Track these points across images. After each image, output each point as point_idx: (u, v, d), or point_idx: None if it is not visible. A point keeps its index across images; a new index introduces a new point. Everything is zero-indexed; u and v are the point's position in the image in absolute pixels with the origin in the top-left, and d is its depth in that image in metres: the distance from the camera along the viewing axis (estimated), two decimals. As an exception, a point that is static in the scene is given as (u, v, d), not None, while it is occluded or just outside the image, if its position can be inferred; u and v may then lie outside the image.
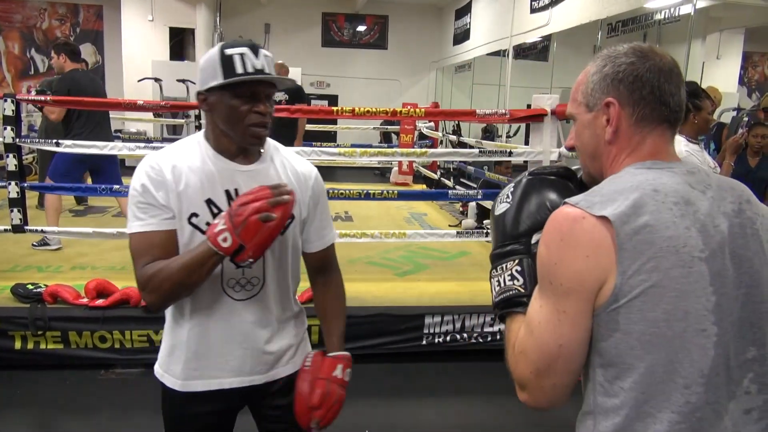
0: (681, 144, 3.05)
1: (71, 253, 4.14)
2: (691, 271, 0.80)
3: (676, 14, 5.94)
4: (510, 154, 3.94)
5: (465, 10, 11.24)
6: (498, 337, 3.31)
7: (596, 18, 6.67)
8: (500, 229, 0.99)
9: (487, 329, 3.31)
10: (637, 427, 0.82)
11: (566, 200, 0.87)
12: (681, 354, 0.80)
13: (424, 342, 3.30)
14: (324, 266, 1.50)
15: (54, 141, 3.59)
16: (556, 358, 0.85)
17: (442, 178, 7.27)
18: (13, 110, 3.47)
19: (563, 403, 0.89)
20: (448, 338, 3.30)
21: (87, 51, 11.63)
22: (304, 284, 1.54)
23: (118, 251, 4.16)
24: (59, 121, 4.18)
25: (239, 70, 1.22)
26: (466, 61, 11.44)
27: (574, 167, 1.05)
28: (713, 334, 0.81)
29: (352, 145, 6.83)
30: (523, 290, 0.94)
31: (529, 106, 4.13)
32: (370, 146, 7.97)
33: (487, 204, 5.17)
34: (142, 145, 4.16)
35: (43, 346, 3.02)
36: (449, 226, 5.76)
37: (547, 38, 8.85)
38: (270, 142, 1.39)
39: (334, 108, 3.93)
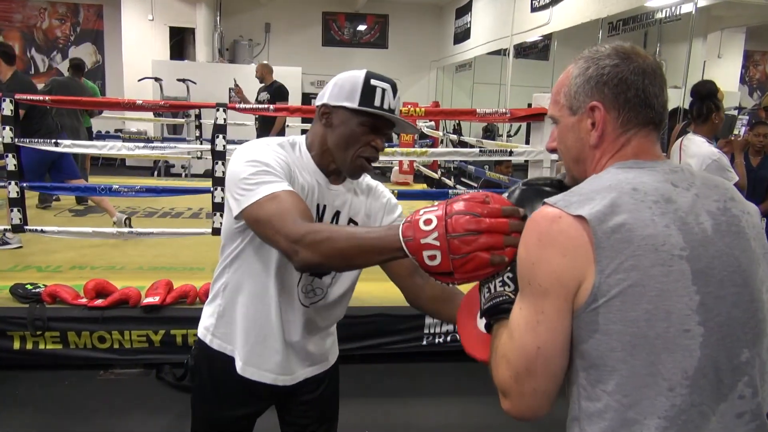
0: (704, 146, 3.05)
1: (71, 253, 4.13)
2: (672, 270, 0.78)
3: (677, 13, 5.93)
4: (510, 153, 3.93)
5: (465, 9, 11.22)
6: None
7: (597, 17, 6.65)
8: None
9: (488, 329, 3.30)
10: None
11: (545, 200, 0.86)
12: (664, 355, 0.78)
13: (424, 342, 3.28)
14: (413, 268, 1.36)
15: (53, 141, 3.59)
16: (534, 360, 0.83)
17: (442, 178, 7.26)
18: (11, 110, 3.47)
19: (545, 410, 0.87)
20: (448, 338, 3.29)
21: (87, 51, 11.64)
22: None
23: (118, 250, 4.16)
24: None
25: (377, 102, 1.24)
26: (467, 61, 11.43)
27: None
28: (699, 334, 0.79)
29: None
30: (512, 296, 0.92)
31: (529, 105, 4.12)
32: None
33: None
34: (141, 144, 4.13)
35: (42, 346, 3.01)
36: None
37: (548, 37, 8.84)
38: None
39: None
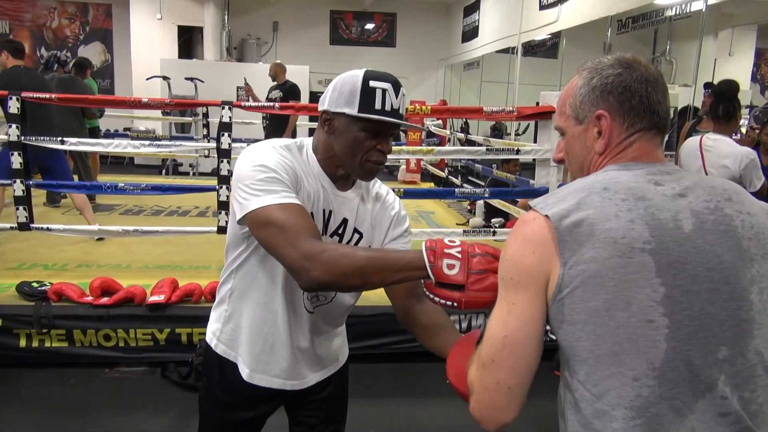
0: (737, 145, 3.02)
1: (77, 251, 4.14)
2: (631, 262, 0.81)
3: (688, 10, 5.87)
4: (518, 152, 3.90)
5: (473, 8, 11.17)
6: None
7: (606, 14, 6.60)
8: None
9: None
10: (597, 425, 0.83)
11: (530, 202, 0.93)
12: (627, 344, 0.80)
13: (429, 342, 3.26)
14: (412, 288, 1.37)
15: (59, 139, 3.59)
16: (501, 349, 0.87)
17: (449, 176, 7.23)
18: (18, 108, 3.47)
19: (508, 415, 0.88)
20: (454, 338, 3.27)
21: (96, 50, 11.69)
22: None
23: (123, 248, 4.17)
24: None
25: (377, 106, 1.19)
26: (475, 59, 11.38)
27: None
28: (663, 326, 0.80)
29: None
30: None
31: (537, 103, 4.08)
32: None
33: (495, 202, 5.13)
34: (147, 142, 4.13)
35: (47, 344, 3.02)
36: (456, 224, 5.72)
37: (557, 35, 8.79)
38: None
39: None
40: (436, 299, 1.08)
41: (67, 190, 4.25)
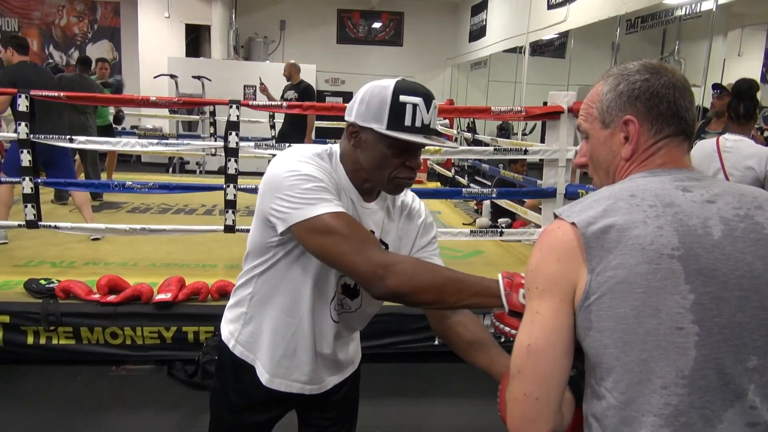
0: (758, 145, 2.97)
1: (84, 248, 4.16)
2: (659, 268, 0.80)
3: (698, 10, 5.83)
4: (525, 152, 3.89)
5: (481, 7, 11.15)
6: (511, 339, 3.26)
7: (614, 14, 6.57)
8: None
9: (501, 330, 3.26)
10: (626, 431, 0.82)
11: (555, 211, 0.92)
12: (656, 352, 0.80)
13: (436, 342, 3.25)
14: None
15: (68, 137, 3.60)
16: (525, 359, 0.86)
17: (456, 176, 7.21)
18: (27, 106, 3.49)
19: (541, 426, 0.85)
20: (460, 338, 3.26)
21: (104, 48, 11.74)
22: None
23: (130, 246, 4.18)
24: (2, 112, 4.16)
25: (407, 122, 1.15)
26: (482, 58, 11.35)
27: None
28: (693, 333, 0.79)
29: (366, 143, 6.80)
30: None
31: (545, 103, 4.07)
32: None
33: (502, 202, 5.12)
34: (155, 141, 4.14)
35: (55, 341, 3.02)
36: (463, 224, 5.71)
37: (565, 35, 8.75)
38: None
39: (347, 105, 3.90)
40: (506, 329, 1.08)
41: (75, 188, 4.26)
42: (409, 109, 1.15)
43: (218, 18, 10.79)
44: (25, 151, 3.49)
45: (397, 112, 1.15)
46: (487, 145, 5.25)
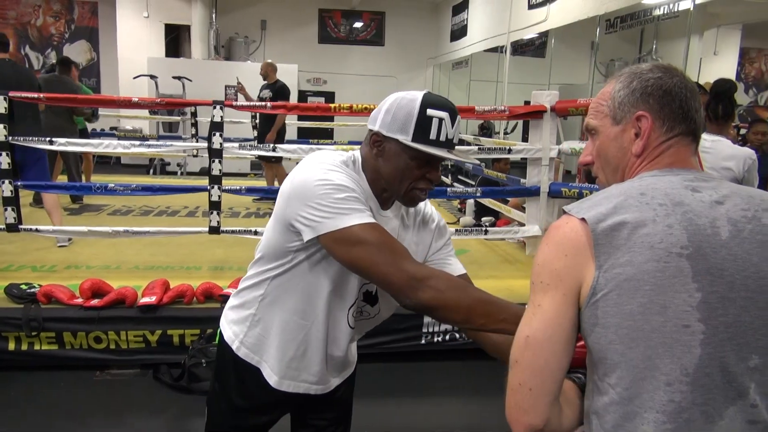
0: (737, 146, 3.02)
1: (66, 252, 4.10)
2: (667, 266, 0.81)
3: (676, 10, 5.92)
4: (509, 151, 3.91)
5: (462, 7, 11.20)
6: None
7: (594, 14, 6.65)
8: None
9: (487, 328, 3.29)
10: (627, 426, 0.83)
11: (564, 207, 0.92)
12: (661, 349, 0.81)
13: (423, 341, 3.27)
14: None
15: (48, 139, 3.55)
16: (523, 350, 0.88)
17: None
18: (5, 108, 3.43)
19: (534, 417, 0.86)
20: (447, 337, 3.28)
21: (82, 48, 11.57)
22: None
23: (113, 249, 4.13)
24: None
25: (432, 136, 1.16)
26: (464, 58, 11.41)
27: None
28: (699, 331, 0.80)
29: (350, 143, 6.81)
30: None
31: (526, 102, 4.10)
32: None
33: (486, 201, 5.15)
34: (138, 143, 4.09)
35: (37, 347, 2.98)
36: (447, 223, 5.73)
37: (545, 34, 8.84)
38: None
39: (332, 105, 3.90)
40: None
41: (56, 191, 4.20)
42: (435, 123, 1.16)
43: (198, 18, 10.71)
44: (3, 153, 3.43)
45: (423, 125, 1.16)
46: (470, 144, 5.28)
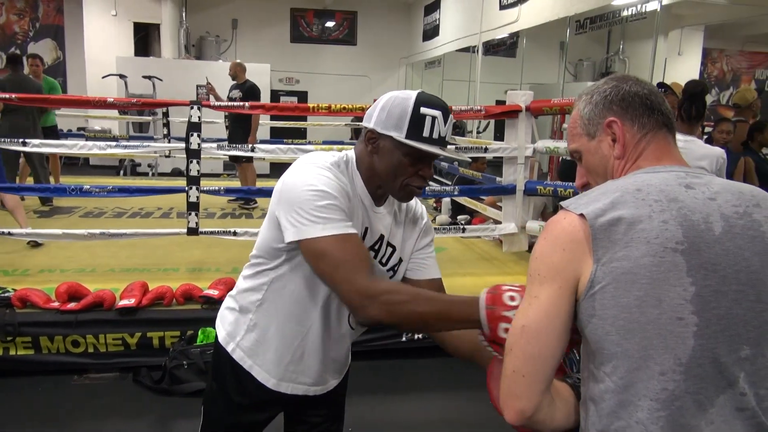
0: (708, 146, 3.10)
1: (39, 255, 4.01)
2: (663, 261, 0.84)
3: (643, 11, 6.07)
4: (486, 150, 3.97)
5: (434, 6, 11.28)
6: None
7: (564, 15, 6.77)
8: None
9: (467, 324, 3.33)
10: (622, 414, 0.87)
11: (561, 203, 0.96)
12: (656, 340, 0.84)
13: (404, 338, 3.30)
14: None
15: (21, 140, 3.48)
16: (518, 339, 0.91)
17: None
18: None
19: (524, 403, 0.89)
20: (427, 335, 3.31)
21: (47, 46, 11.30)
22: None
23: (87, 252, 4.06)
24: None
25: (425, 133, 1.20)
26: (436, 57, 11.49)
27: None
28: (692, 323, 0.84)
29: (324, 142, 6.80)
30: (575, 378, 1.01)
31: (498, 101, 4.17)
32: (343, 143, 7.94)
33: (462, 200, 5.21)
34: (113, 144, 4.03)
35: (12, 352, 2.92)
36: (424, 222, 5.77)
37: (516, 35, 8.95)
38: None
39: (310, 105, 3.90)
40: (493, 352, 1.10)
41: (26, 193, 4.11)
42: (428, 121, 1.20)
43: (168, 16, 10.56)
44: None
45: (416, 122, 1.20)
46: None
